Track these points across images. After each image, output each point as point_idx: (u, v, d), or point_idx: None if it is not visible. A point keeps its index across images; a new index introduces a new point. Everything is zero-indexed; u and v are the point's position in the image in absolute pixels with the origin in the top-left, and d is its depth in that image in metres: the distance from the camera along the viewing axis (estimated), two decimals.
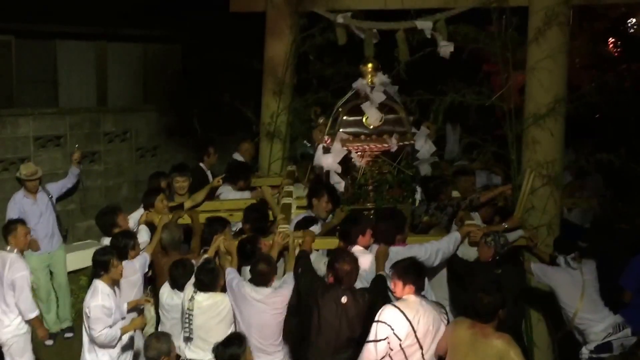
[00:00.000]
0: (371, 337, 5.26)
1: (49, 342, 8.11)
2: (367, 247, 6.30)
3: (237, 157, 9.48)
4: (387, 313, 5.27)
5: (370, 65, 7.39)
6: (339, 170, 7.13)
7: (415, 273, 5.46)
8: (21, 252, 6.77)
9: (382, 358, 5.23)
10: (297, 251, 6.27)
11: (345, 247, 6.16)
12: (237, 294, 5.80)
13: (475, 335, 5.16)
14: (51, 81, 11.47)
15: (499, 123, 7.63)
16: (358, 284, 5.78)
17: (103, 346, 6.01)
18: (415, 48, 7.83)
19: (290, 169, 8.69)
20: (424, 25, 7.54)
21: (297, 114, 9.08)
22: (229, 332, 5.84)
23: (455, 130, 10.73)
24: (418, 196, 7.38)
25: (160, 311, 6.49)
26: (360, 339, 5.42)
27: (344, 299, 5.52)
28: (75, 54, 11.67)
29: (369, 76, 7.35)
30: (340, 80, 8.55)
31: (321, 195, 7.06)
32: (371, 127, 7.12)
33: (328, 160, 7.14)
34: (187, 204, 7.60)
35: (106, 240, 6.86)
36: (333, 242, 6.47)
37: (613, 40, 13.19)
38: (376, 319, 5.29)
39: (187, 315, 5.83)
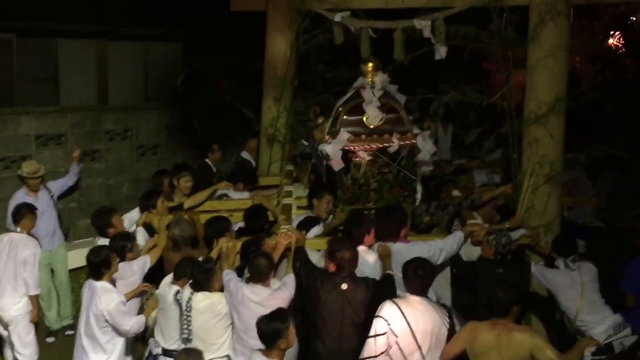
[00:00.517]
0: (371, 332, 5.33)
1: (50, 340, 8.17)
2: (370, 246, 6.31)
3: (245, 155, 9.73)
4: (385, 309, 5.34)
5: (370, 64, 7.37)
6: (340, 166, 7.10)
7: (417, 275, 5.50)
8: (29, 233, 7.18)
9: (381, 353, 5.27)
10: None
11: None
12: (234, 295, 5.76)
13: (500, 334, 5.20)
14: (52, 79, 11.49)
15: (498, 122, 7.64)
16: None
17: (122, 340, 6.13)
18: (415, 46, 7.81)
19: (289, 169, 8.66)
20: (423, 24, 7.53)
21: (297, 115, 9.09)
22: (228, 331, 5.85)
23: (447, 131, 10.62)
24: (418, 195, 7.38)
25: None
26: (367, 325, 5.46)
27: (344, 286, 5.60)
28: (76, 53, 11.69)
29: (370, 75, 7.34)
30: (342, 82, 8.53)
31: (321, 196, 7.06)
32: (371, 126, 7.12)
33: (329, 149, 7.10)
34: (187, 204, 7.61)
35: (101, 241, 6.90)
36: None
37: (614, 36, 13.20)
38: (376, 314, 5.37)
39: (185, 317, 5.81)
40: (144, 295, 6.50)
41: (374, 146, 7.04)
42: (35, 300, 7.12)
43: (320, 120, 7.81)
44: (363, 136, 7.07)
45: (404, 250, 6.12)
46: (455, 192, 7.63)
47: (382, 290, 5.69)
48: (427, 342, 5.31)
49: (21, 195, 8.12)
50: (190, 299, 5.78)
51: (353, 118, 7.16)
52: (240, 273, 6.13)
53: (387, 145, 7.03)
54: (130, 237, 6.73)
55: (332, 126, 7.28)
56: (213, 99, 9.89)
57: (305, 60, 9.11)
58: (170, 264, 6.63)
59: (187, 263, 6.13)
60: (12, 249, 7.02)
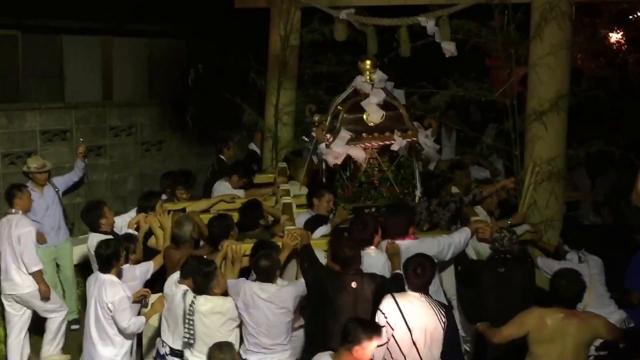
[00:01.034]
0: None
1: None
2: (377, 245, 6.27)
3: (253, 147, 9.87)
4: (385, 302, 5.40)
5: (368, 62, 7.34)
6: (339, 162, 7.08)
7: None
8: (25, 213, 7.41)
9: (381, 345, 5.31)
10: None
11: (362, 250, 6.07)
12: (243, 297, 5.70)
13: (571, 322, 5.27)
14: (57, 76, 11.57)
15: (500, 118, 7.67)
16: None
17: (130, 335, 6.14)
18: (416, 41, 7.81)
19: (282, 166, 8.49)
20: (427, 21, 7.54)
21: (300, 112, 9.14)
22: (233, 334, 5.80)
23: (451, 136, 10.26)
24: (418, 193, 7.38)
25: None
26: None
27: (353, 284, 5.60)
28: (81, 49, 11.76)
29: (368, 73, 7.33)
30: (348, 78, 8.54)
31: (322, 195, 7.00)
32: (371, 124, 7.12)
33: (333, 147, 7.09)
34: (190, 209, 7.49)
35: (93, 236, 6.99)
36: None
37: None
38: (378, 307, 5.43)
39: (187, 321, 5.76)
40: (144, 300, 6.50)
41: (375, 144, 7.04)
42: (39, 275, 7.27)
43: (316, 118, 7.82)
44: (364, 134, 7.07)
45: (413, 247, 6.12)
46: (454, 189, 7.64)
47: (391, 290, 5.66)
48: (422, 339, 5.34)
49: None
50: (192, 302, 5.73)
51: (353, 116, 7.15)
52: (248, 275, 6.11)
53: (389, 143, 7.05)
54: (132, 238, 6.75)
55: (331, 124, 7.28)
56: (215, 95, 9.93)
57: (308, 55, 9.16)
58: (170, 261, 6.64)
59: (194, 262, 6.05)
60: (9, 229, 7.26)
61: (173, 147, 11.51)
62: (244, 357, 5.78)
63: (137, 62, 12.55)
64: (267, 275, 5.73)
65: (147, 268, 6.60)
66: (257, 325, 5.69)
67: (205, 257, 6.30)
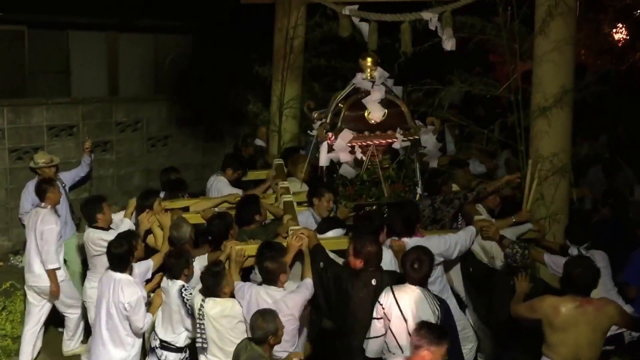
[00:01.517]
0: (374, 315, 5.47)
1: (62, 329, 8.24)
2: (382, 243, 6.22)
3: (258, 142, 9.85)
4: (383, 295, 5.45)
5: (369, 59, 7.34)
6: (350, 159, 7.11)
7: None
8: (54, 207, 7.54)
9: (380, 335, 5.42)
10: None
11: None
12: (249, 301, 5.67)
13: (586, 310, 5.29)
14: (64, 71, 11.63)
15: (504, 114, 7.68)
16: None
17: (140, 335, 6.22)
18: (420, 38, 7.81)
19: (278, 163, 8.41)
20: (430, 17, 7.52)
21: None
22: (244, 337, 5.63)
23: (454, 134, 10.17)
24: (419, 190, 7.37)
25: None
26: None
27: (374, 281, 5.63)
28: (87, 45, 11.82)
29: (369, 70, 7.32)
30: (347, 72, 8.56)
31: (322, 195, 6.98)
32: (372, 121, 7.12)
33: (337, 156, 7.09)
34: (193, 208, 7.45)
35: (89, 231, 7.05)
36: (344, 243, 6.25)
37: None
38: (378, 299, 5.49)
39: (199, 325, 5.75)
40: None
41: (377, 142, 7.05)
42: (52, 274, 7.36)
43: (315, 115, 7.80)
44: (366, 132, 7.08)
45: (420, 244, 6.06)
46: (454, 186, 7.64)
47: None
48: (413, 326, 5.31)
49: (33, 187, 8.21)
50: (202, 305, 5.69)
51: (354, 114, 7.15)
52: (249, 275, 6.14)
53: (391, 141, 7.05)
54: (134, 235, 6.70)
55: (332, 122, 7.28)
56: (222, 91, 9.97)
57: (307, 50, 9.19)
58: None
59: (178, 256, 6.13)
60: (35, 223, 7.40)
61: (179, 143, 11.52)
62: None
63: (143, 57, 12.59)
64: (271, 277, 5.71)
65: (147, 267, 6.59)
66: None
67: (202, 256, 6.38)
